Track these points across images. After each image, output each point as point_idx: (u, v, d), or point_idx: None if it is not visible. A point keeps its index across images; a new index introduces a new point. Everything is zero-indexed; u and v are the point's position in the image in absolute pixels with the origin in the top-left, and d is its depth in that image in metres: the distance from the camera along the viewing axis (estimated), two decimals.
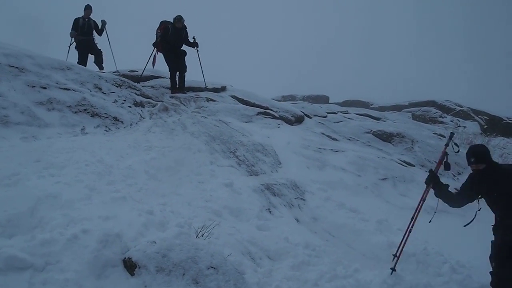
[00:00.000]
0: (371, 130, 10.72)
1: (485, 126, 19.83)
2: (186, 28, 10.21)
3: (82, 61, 10.44)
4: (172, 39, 9.86)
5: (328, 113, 12.15)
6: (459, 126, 17.16)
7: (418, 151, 10.11)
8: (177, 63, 10.02)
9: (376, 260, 4.71)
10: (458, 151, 4.54)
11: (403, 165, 8.99)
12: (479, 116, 21.23)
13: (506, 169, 3.87)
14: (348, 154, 8.41)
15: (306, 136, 9.14)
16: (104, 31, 11.10)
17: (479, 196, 4.01)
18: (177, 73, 10.14)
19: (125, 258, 3.05)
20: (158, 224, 3.58)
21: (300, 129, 9.81)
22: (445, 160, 4.43)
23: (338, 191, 6.49)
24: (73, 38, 10.61)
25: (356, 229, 5.34)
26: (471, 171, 4.05)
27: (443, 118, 18.01)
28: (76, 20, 10.56)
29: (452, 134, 4.68)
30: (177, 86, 10.14)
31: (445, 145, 4.52)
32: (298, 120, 10.45)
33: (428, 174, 4.49)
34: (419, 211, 4.63)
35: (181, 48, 10.23)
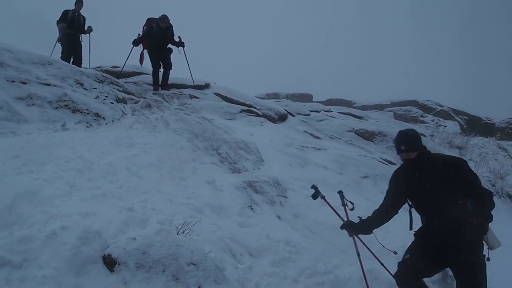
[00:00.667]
0: (353, 129, 10.83)
1: (465, 126, 20.23)
2: (172, 27, 10.19)
3: (66, 56, 10.04)
4: (157, 38, 9.82)
5: (311, 111, 12.22)
6: (440, 125, 17.46)
7: None
8: (161, 60, 9.98)
9: (355, 256, 4.78)
10: (353, 208, 4.27)
11: (384, 163, 9.11)
12: (459, 116, 21.65)
13: (441, 159, 3.31)
14: (330, 152, 8.48)
15: (289, 134, 9.19)
16: (88, 36, 10.64)
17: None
18: (161, 70, 10.09)
19: (104, 254, 3.04)
20: (138, 221, 3.58)
21: (283, 127, 9.86)
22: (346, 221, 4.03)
23: (320, 189, 6.54)
24: (60, 31, 10.09)
25: (337, 226, 5.35)
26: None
27: (424, 117, 18.29)
28: (65, 13, 10.10)
29: (341, 192, 4.43)
30: (160, 83, 10.09)
31: (342, 205, 4.30)
32: (282, 118, 10.49)
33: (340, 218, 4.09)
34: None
35: (167, 47, 10.17)
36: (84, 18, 10.43)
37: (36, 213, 3.36)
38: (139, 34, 10.15)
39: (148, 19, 10.11)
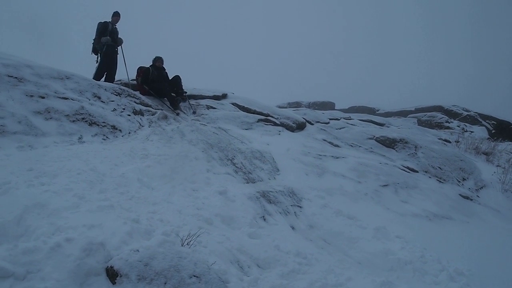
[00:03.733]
0: (374, 136, 10.65)
1: (493, 131, 19.57)
2: (165, 70, 10.38)
3: (102, 70, 10.10)
4: (155, 77, 9.96)
5: (330, 119, 12.10)
6: (466, 131, 16.96)
7: (421, 157, 10.00)
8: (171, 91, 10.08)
9: (372, 268, 4.63)
10: None
11: (406, 171, 8.89)
12: (486, 121, 20.98)
13: None
14: (349, 161, 8.34)
15: (306, 143, 9.09)
16: (121, 48, 10.68)
17: None
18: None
19: (107, 266, 3.02)
20: (143, 232, 3.55)
21: (301, 136, 9.77)
22: None
23: (337, 198, 6.42)
24: (105, 45, 10.08)
25: (353, 237, 5.26)
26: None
27: (449, 123, 17.79)
28: (105, 24, 10.17)
29: None
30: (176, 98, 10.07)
31: None
32: (300, 126, 10.41)
33: None
34: None
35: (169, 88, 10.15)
36: (117, 31, 10.52)
37: (43, 225, 3.38)
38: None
39: (139, 67, 10.30)
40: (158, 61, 10.20)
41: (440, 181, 9.07)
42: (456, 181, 9.43)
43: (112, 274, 2.95)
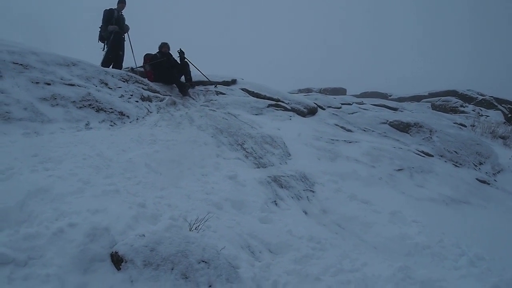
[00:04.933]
0: (388, 121, 10.41)
1: (509, 115, 19.09)
2: (171, 55, 10.19)
3: (110, 58, 9.94)
4: (163, 66, 9.78)
5: (342, 104, 11.86)
6: (481, 115, 16.55)
7: (436, 141, 9.75)
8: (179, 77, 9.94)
9: (388, 252, 4.45)
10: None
11: (421, 155, 8.66)
12: (502, 105, 20.47)
13: None
14: (362, 145, 8.12)
15: (318, 128, 8.88)
16: (127, 34, 10.46)
17: None
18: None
19: (112, 252, 2.89)
20: (149, 217, 3.41)
21: (312, 121, 9.56)
22: None
23: (350, 183, 6.23)
24: (112, 33, 9.86)
25: (368, 221, 5.08)
26: None
27: (464, 107, 17.37)
28: (111, 12, 9.94)
29: None
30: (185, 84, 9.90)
31: None
32: (311, 111, 10.20)
33: None
34: None
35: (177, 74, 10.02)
36: (124, 18, 10.30)
37: (46, 210, 3.25)
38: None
39: (145, 55, 10.13)
40: (164, 47, 10.03)
41: (456, 166, 8.82)
42: (472, 165, 9.18)
43: (117, 260, 2.82)
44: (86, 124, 6.18)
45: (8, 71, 6.31)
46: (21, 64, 6.65)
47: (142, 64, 10.15)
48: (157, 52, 9.98)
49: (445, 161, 8.91)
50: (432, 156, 9.00)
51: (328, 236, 4.35)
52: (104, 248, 2.94)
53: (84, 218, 3.13)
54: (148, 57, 9.94)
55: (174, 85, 9.74)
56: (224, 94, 9.85)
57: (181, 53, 10.08)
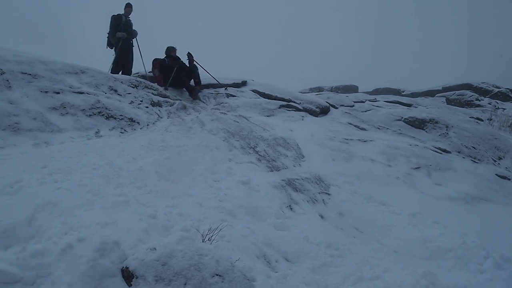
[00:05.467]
0: (402, 117, 10.18)
1: None
2: (180, 58, 10.07)
3: (119, 63, 9.88)
4: (171, 66, 9.66)
5: (355, 102, 11.65)
6: (498, 108, 16.16)
7: (453, 137, 9.49)
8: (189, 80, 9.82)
9: (409, 257, 4.28)
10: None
11: (438, 152, 8.43)
12: None
13: None
14: (377, 144, 7.94)
15: (331, 127, 8.71)
16: (136, 40, 10.36)
17: None
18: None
19: (123, 267, 2.78)
20: (161, 229, 3.30)
21: (325, 120, 9.39)
22: None
23: (367, 183, 6.06)
24: (120, 40, 9.80)
25: (387, 224, 4.91)
26: None
27: (479, 101, 16.98)
28: (118, 18, 9.84)
29: None
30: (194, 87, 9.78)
31: None
32: (324, 111, 10.03)
33: None
34: None
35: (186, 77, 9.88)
36: (131, 23, 10.21)
37: (55, 224, 3.16)
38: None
39: (154, 59, 10.02)
40: (172, 51, 9.95)
41: (474, 161, 8.56)
42: (491, 161, 8.90)
43: (127, 276, 2.71)
44: (96, 132, 6.12)
45: (17, 81, 6.29)
46: (30, 74, 6.62)
47: (150, 69, 10.08)
48: (165, 57, 9.90)
49: (463, 157, 8.66)
50: (450, 152, 8.76)
51: (346, 241, 4.20)
52: (114, 263, 2.83)
53: (93, 232, 3.03)
54: (156, 62, 9.86)
55: (184, 89, 9.66)
56: (235, 96, 9.73)
57: (190, 56, 9.99)
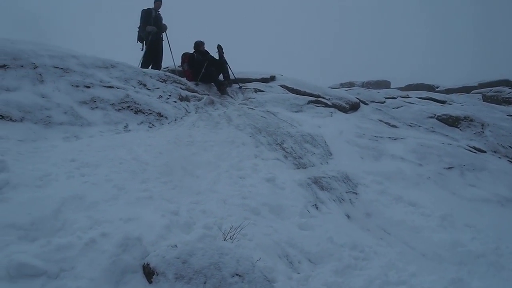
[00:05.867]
0: (435, 115, 9.87)
1: None
2: (208, 52, 10.01)
3: (149, 57, 9.97)
4: (201, 61, 9.64)
5: (386, 98, 11.37)
6: None
7: (489, 136, 9.12)
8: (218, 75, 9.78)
9: (438, 261, 4.13)
10: None
11: (472, 151, 8.11)
12: None
13: None
14: (408, 142, 7.72)
15: (361, 124, 8.53)
16: (165, 34, 10.43)
17: None
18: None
19: (144, 263, 2.79)
20: (183, 226, 3.29)
21: (355, 117, 9.20)
22: None
23: (396, 183, 5.89)
24: (151, 34, 9.86)
25: (416, 226, 4.76)
26: None
27: None
28: (148, 11, 9.90)
29: None
30: (223, 82, 9.78)
31: None
32: (353, 107, 9.83)
33: None
34: None
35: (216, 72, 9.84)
36: (161, 17, 10.27)
37: (80, 218, 3.21)
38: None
39: (183, 53, 10.00)
40: (200, 45, 9.95)
41: (511, 162, 8.21)
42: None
43: (148, 272, 2.72)
44: (125, 127, 6.20)
45: (49, 76, 6.43)
46: (62, 68, 6.77)
47: (180, 63, 10.13)
48: (194, 52, 9.91)
49: (499, 157, 8.31)
50: (485, 152, 8.43)
51: (372, 243, 4.08)
52: (136, 259, 2.84)
53: (117, 227, 3.05)
54: (186, 56, 9.89)
55: (213, 83, 9.66)
56: (263, 91, 9.67)
57: (220, 48, 9.97)
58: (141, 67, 9.36)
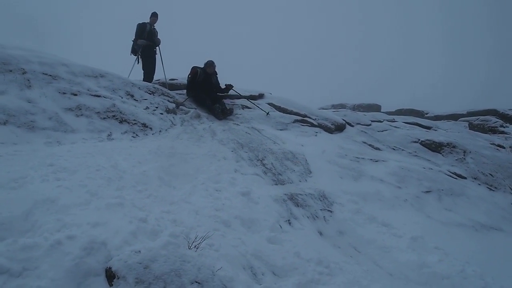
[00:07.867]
0: (419, 140, 10.04)
1: None
2: (217, 74, 10.04)
3: (151, 68, 10.20)
4: (202, 85, 9.61)
5: (372, 121, 11.56)
6: None
7: (470, 162, 9.29)
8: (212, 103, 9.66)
9: (404, 281, 4.21)
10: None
11: (452, 177, 8.26)
12: None
13: None
14: (389, 164, 7.84)
15: (344, 145, 8.66)
16: (158, 48, 10.65)
17: None
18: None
19: (107, 267, 2.84)
20: (149, 233, 3.35)
21: (339, 138, 9.34)
22: None
23: (372, 204, 5.99)
24: (141, 47, 10.17)
25: (386, 245, 4.84)
26: None
27: (504, 127, 16.48)
28: (143, 26, 10.22)
29: None
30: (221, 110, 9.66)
31: None
32: (339, 128, 9.98)
33: None
34: None
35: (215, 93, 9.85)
36: (156, 32, 10.55)
37: (50, 220, 3.26)
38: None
39: (193, 67, 10.02)
40: (209, 66, 9.80)
41: (490, 189, 8.35)
42: (509, 189, 8.66)
43: (109, 276, 2.77)
44: (108, 135, 6.27)
45: (37, 81, 6.53)
46: (50, 75, 6.87)
47: (188, 75, 10.10)
48: (201, 68, 9.85)
49: (479, 184, 8.45)
50: (465, 178, 8.58)
51: (340, 260, 4.15)
52: (100, 262, 2.90)
53: (84, 231, 3.11)
54: (193, 70, 9.78)
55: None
56: (250, 108, 9.80)
57: (229, 87, 9.92)
58: (143, 80, 9.60)
